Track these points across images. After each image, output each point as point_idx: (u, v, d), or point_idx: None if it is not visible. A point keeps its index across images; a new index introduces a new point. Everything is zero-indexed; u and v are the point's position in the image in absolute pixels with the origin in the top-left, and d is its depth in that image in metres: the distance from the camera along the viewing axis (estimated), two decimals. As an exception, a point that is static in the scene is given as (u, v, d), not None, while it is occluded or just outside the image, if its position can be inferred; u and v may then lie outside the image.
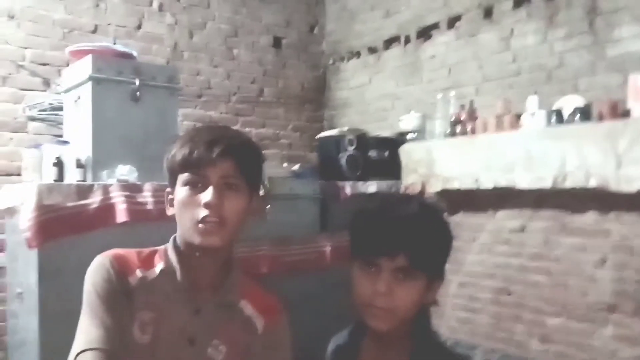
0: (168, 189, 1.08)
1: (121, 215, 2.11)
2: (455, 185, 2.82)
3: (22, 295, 2.22)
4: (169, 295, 1.04)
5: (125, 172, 2.23)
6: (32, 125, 3.05)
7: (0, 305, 2.80)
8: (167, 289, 1.05)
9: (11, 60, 3.01)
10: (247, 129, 3.78)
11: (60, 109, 2.69)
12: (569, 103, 2.50)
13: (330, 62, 4.23)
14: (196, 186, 1.01)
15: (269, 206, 2.57)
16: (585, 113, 2.39)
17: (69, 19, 3.20)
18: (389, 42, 3.72)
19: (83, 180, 2.21)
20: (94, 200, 2.11)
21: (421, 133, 3.19)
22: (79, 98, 2.39)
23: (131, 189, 2.17)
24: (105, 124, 2.29)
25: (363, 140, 3.19)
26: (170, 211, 1.07)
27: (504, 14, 3.00)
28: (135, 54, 2.65)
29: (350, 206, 2.77)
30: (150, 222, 2.01)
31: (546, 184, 2.43)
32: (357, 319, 1.09)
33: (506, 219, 2.92)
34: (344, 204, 2.85)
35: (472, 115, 2.91)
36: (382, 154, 3.19)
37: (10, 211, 2.26)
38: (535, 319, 2.76)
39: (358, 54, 3.98)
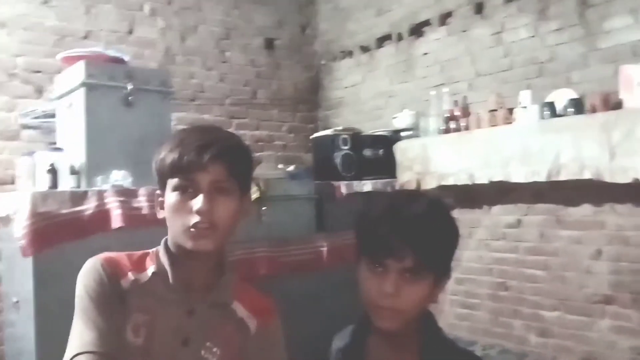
0: (158, 192, 1.07)
1: (116, 221, 2.11)
2: (451, 181, 2.82)
3: (18, 304, 2.21)
4: (161, 297, 1.04)
5: (120, 177, 2.23)
6: (26, 133, 3.03)
7: (-2, 315, 2.80)
8: (160, 291, 1.04)
9: (3, 69, 3.01)
10: (241, 132, 3.77)
11: (54, 116, 2.68)
12: (561, 96, 2.51)
13: (323, 62, 4.22)
14: (186, 191, 1.00)
15: (264, 208, 2.57)
16: (578, 106, 2.40)
17: (60, 26, 3.19)
18: (382, 41, 3.72)
19: (77, 187, 2.21)
20: (89, 206, 2.11)
21: (415, 130, 3.19)
22: (71, 104, 2.39)
23: (126, 194, 2.17)
24: (98, 129, 2.28)
25: (357, 139, 3.18)
26: (160, 214, 1.06)
27: (495, 9, 3.01)
28: (127, 58, 2.64)
29: (346, 206, 2.79)
30: (146, 227, 1.97)
31: (541, 177, 2.44)
32: (359, 318, 1.09)
33: (502, 214, 2.93)
34: (339, 204, 2.86)
35: (466, 111, 2.92)
36: (376, 153, 3.19)
37: (5, 220, 2.26)
38: (533, 313, 2.76)
39: (351, 53, 3.98)
